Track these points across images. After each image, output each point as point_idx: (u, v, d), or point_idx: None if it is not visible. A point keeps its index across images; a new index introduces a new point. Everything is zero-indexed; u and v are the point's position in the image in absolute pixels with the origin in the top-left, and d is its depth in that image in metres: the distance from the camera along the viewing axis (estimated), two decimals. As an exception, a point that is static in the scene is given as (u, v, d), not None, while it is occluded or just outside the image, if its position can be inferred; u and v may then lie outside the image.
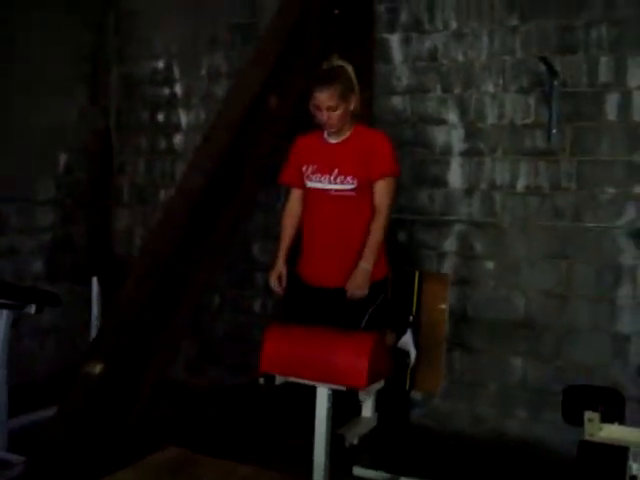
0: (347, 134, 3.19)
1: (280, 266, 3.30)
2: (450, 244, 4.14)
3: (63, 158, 5.06)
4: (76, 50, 5.12)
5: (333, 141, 3.21)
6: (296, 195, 3.36)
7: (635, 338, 3.71)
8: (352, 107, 3.13)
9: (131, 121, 5.29)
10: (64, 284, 4.87)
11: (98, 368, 2.87)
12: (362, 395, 2.67)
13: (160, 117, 5.15)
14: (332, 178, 3.12)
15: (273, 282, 3.31)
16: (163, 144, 5.16)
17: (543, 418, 3.90)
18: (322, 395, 2.73)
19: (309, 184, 3.21)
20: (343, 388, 2.72)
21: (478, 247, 4.08)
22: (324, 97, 3.03)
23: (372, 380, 2.73)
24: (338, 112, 3.06)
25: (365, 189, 3.12)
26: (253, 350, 4.69)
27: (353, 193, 3.10)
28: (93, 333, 4.14)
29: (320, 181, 3.16)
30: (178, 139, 5.09)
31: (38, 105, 4.79)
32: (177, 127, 5.09)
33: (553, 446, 3.79)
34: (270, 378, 2.83)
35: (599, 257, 3.78)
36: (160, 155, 5.18)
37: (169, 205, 3.50)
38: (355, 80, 3.15)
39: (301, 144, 3.32)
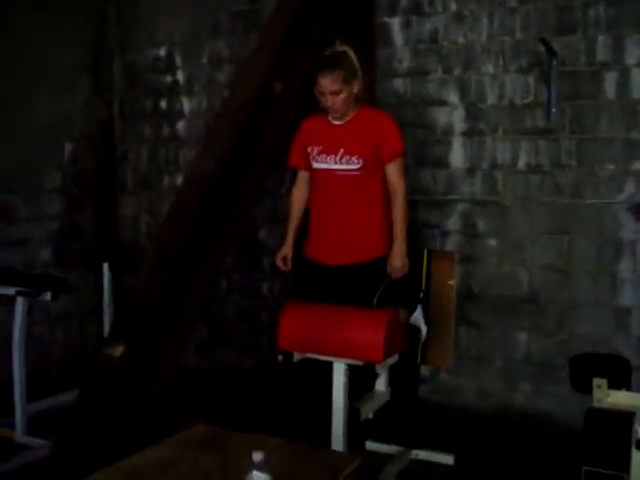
0: (351, 115, 3.24)
1: (287, 247, 3.40)
2: (453, 223, 4.23)
3: (68, 148, 5.13)
4: (79, 41, 5.17)
5: (338, 123, 3.26)
6: (303, 177, 3.43)
7: (636, 310, 3.81)
8: (355, 90, 3.18)
9: (134, 109, 5.35)
10: (73, 271, 4.93)
11: (119, 350, 2.93)
12: (379, 369, 2.77)
13: (163, 105, 5.22)
14: (338, 158, 3.18)
15: (279, 261, 3.40)
16: (166, 131, 5.22)
17: (547, 391, 4.02)
18: (339, 370, 2.83)
19: (315, 165, 3.27)
20: (360, 363, 2.81)
21: (481, 225, 4.17)
22: (328, 82, 3.10)
23: (388, 354, 2.82)
24: (342, 96, 3.12)
25: (371, 169, 3.19)
26: (261, 332, 4.86)
27: (358, 173, 3.17)
28: (106, 318, 4.22)
29: (326, 161, 3.22)
30: (181, 126, 5.16)
31: (43, 96, 4.85)
32: (180, 114, 5.15)
33: (558, 418, 3.91)
34: (288, 355, 2.92)
35: (600, 232, 3.87)
36: (164, 142, 5.24)
37: (180, 191, 3.56)
38: (358, 64, 3.20)
39: (306, 127, 3.38)
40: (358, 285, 3.16)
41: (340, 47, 3.20)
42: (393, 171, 3.21)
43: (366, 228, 3.22)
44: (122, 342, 2.96)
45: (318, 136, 3.29)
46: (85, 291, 5.07)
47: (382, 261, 3.19)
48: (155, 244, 3.51)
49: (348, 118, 3.25)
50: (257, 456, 1.79)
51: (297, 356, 2.94)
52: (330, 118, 3.28)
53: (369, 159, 3.16)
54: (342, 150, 3.17)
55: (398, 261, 3.16)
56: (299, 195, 3.45)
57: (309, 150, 3.29)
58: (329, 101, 3.14)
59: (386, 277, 3.19)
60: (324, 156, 3.23)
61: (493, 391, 4.16)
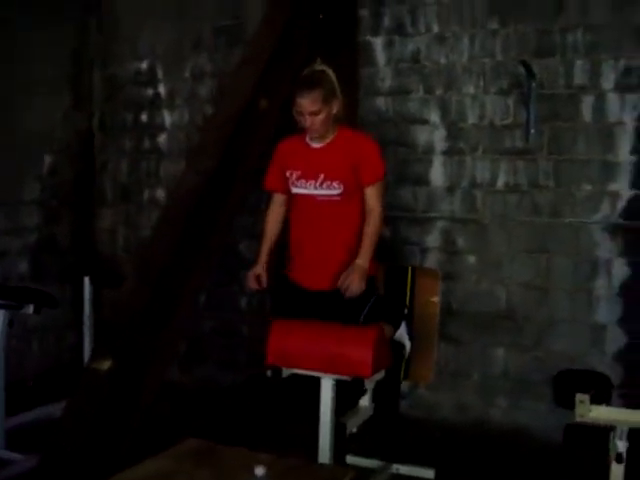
0: (331, 137, 3.17)
1: (260, 267, 3.29)
2: (433, 240, 4.30)
3: (48, 159, 5.11)
4: (59, 52, 5.16)
5: (317, 145, 3.18)
6: (279, 200, 3.36)
7: (611, 327, 3.91)
8: (335, 111, 3.10)
9: (115, 122, 5.34)
10: (49, 284, 4.89)
11: (106, 364, 2.93)
12: (367, 384, 2.80)
13: (144, 117, 5.22)
14: (318, 184, 3.12)
15: (250, 281, 3.28)
16: (147, 144, 5.22)
17: (524, 406, 4.09)
18: (327, 385, 2.86)
19: (294, 190, 3.20)
20: (348, 378, 2.85)
21: (460, 242, 4.24)
22: (306, 102, 3.02)
23: (376, 370, 2.87)
24: (321, 117, 3.05)
25: (352, 193, 3.13)
26: (240, 347, 4.86)
27: (339, 198, 3.11)
28: (87, 331, 4.19)
29: (305, 187, 3.15)
30: (162, 139, 5.16)
31: (22, 107, 4.83)
32: (161, 127, 5.16)
33: (535, 432, 3.99)
34: (277, 371, 2.94)
35: (576, 251, 3.97)
36: (144, 155, 5.24)
37: (166, 206, 3.58)
38: (337, 84, 3.13)
39: (283, 149, 3.30)
40: (340, 309, 3.10)
41: (320, 66, 3.14)
42: (372, 195, 3.13)
43: (346, 253, 3.14)
44: (109, 356, 2.96)
45: (296, 160, 3.21)
46: (62, 304, 5.02)
47: (369, 282, 3.13)
48: (140, 257, 3.51)
49: (327, 140, 3.17)
50: (259, 470, 1.82)
51: (286, 372, 2.96)
52: (308, 140, 3.20)
53: (350, 183, 3.11)
54: (322, 175, 3.11)
55: (355, 275, 3.01)
56: (274, 217, 3.37)
57: (288, 174, 3.21)
58: (308, 121, 3.06)
59: (371, 298, 3.16)
60: (303, 181, 3.16)
61: (471, 406, 4.23)
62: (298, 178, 3.17)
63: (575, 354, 3.93)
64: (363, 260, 3.06)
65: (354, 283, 3.01)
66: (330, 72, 3.13)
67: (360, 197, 3.16)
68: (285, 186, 3.26)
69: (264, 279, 3.27)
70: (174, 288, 3.19)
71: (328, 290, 3.14)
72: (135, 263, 3.74)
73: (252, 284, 3.28)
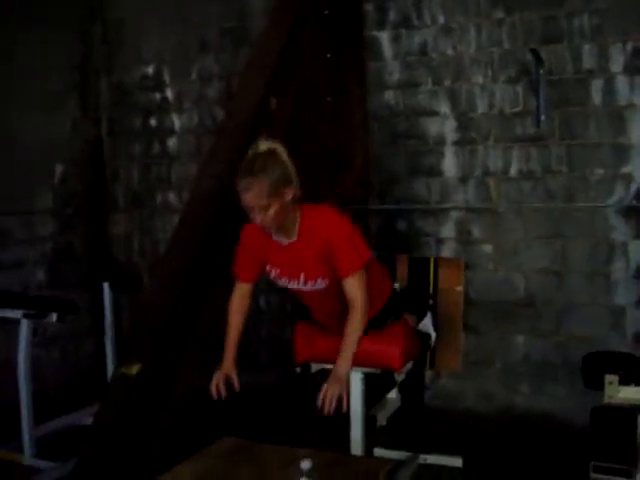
0: (295, 230, 2.71)
1: (229, 365, 2.85)
2: (448, 230, 4.32)
3: (59, 169, 5.14)
4: (64, 61, 5.18)
5: (285, 241, 2.74)
6: (245, 291, 2.93)
7: (630, 309, 3.93)
8: (289, 198, 2.60)
9: (123, 128, 5.37)
10: (67, 291, 4.92)
11: (135, 369, 2.96)
12: (397, 376, 2.83)
13: (153, 122, 5.24)
14: (301, 283, 2.77)
15: (215, 387, 2.78)
16: (157, 148, 5.25)
17: (547, 391, 4.12)
18: (356, 379, 2.88)
19: (279, 284, 2.85)
20: (377, 371, 2.87)
21: (476, 232, 4.26)
22: (250, 197, 2.53)
23: (405, 362, 2.89)
24: (271, 211, 2.55)
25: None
26: (259, 347, 4.88)
27: (329, 287, 2.77)
28: (108, 337, 4.22)
29: (289, 284, 2.81)
30: (172, 142, 5.19)
31: (31, 118, 4.84)
32: (170, 131, 5.19)
33: (558, 416, 4.02)
34: (306, 366, 2.96)
35: (592, 235, 3.99)
36: (154, 159, 5.27)
37: (184, 210, 3.60)
38: (290, 163, 2.62)
39: (250, 238, 2.83)
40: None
41: (265, 146, 2.59)
42: (351, 286, 2.68)
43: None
44: (138, 361, 2.99)
45: (270, 255, 2.80)
46: (80, 311, 5.05)
47: (388, 305, 2.98)
48: (162, 261, 3.53)
49: (294, 235, 2.72)
50: (305, 464, 1.84)
51: (315, 367, 2.98)
52: (274, 236, 2.75)
53: (334, 274, 2.72)
54: (302, 275, 2.74)
55: (331, 391, 2.58)
56: (239, 309, 2.93)
57: (267, 268, 2.83)
58: (257, 218, 2.57)
59: (392, 315, 3.01)
60: (286, 280, 2.79)
61: (494, 394, 4.25)
62: (280, 276, 2.81)
63: (595, 337, 3.94)
64: (343, 366, 2.66)
65: (329, 397, 2.58)
66: (280, 150, 2.61)
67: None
68: (256, 274, 2.90)
69: (236, 381, 2.81)
70: (200, 289, 3.22)
71: None
72: (157, 267, 3.76)
73: (217, 391, 2.78)
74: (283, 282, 2.81)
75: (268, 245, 2.77)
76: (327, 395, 2.57)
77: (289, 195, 2.59)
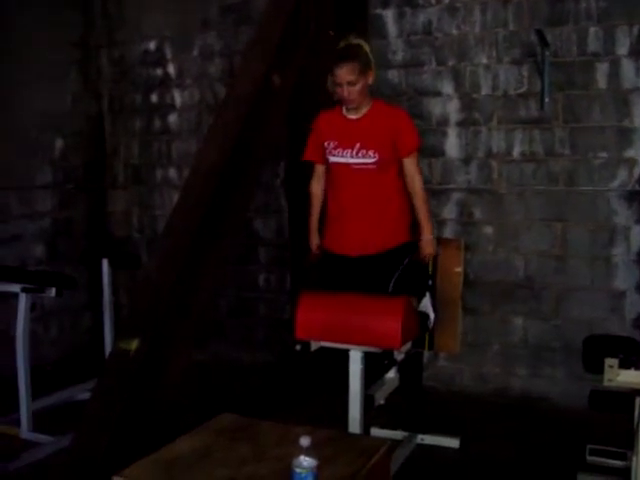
0: (366, 109, 3.29)
1: (316, 237, 3.50)
2: (449, 211, 4.31)
3: (59, 144, 5.11)
4: (65, 36, 5.13)
5: (353, 117, 3.30)
6: (319, 171, 3.47)
7: (630, 293, 3.93)
8: (370, 82, 3.24)
9: (124, 104, 5.33)
10: (65, 267, 4.91)
11: (134, 344, 2.95)
12: (397, 355, 2.83)
13: (154, 98, 5.21)
14: (354, 152, 3.24)
15: (314, 250, 3.50)
16: (158, 125, 5.22)
17: (544, 374, 4.12)
18: (355, 357, 2.88)
19: (332, 159, 3.32)
20: (377, 350, 2.87)
21: (477, 213, 4.25)
22: (344, 72, 3.14)
23: (405, 341, 2.89)
24: (357, 87, 3.16)
25: (386, 162, 3.25)
26: (258, 325, 4.89)
27: (374, 166, 3.23)
28: (107, 313, 4.21)
29: (342, 155, 3.27)
30: (173, 119, 5.15)
31: (31, 93, 4.79)
32: (171, 107, 5.15)
33: (554, 399, 4.05)
34: (305, 345, 2.96)
35: (593, 219, 3.98)
36: (155, 136, 5.24)
37: (185, 186, 3.57)
38: (371, 56, 3.27)
39: (322, 121, 3.40)
40: (374, 274, 3.24)
41: (355, 40, 3.25)
42: (410, 165, 3.28)
43: (382, 220, 3.29)
44: (136, 336, 2.98)
45: (334, 131, 3.32)
46: (77, 287, 5.04)
47: (396, 251, 3.27)
48: (162, 237, 3.51)
49: (364, 112, 3.30)
50: (305, 441, 1.84)
51: (314, 345, 2.98)
52: (344, 112, 3.33)
53: (385, 153, 3.23)
54: (358, 144, 3.23)
55: (429, 248, 3.30)
56: (317, 188, 3.50)
57: (326, 144, 3.33)
58: (345, 92, 3.18)
59: (400, 265, 3.28)
60: (340, 150, 3.27)
61: (491, 375, 4.26)
62: (335, 147, 3.28)
63: (594, 321, 3.94)
64: (428, 231, 3.30)
65: (427, 257, 3.34)
66: (365, 45, 3.26)
67: (396, 166, 3.30)
68: (323, 157, 3.38)
69: (317, 248, 3.50)
70: (200, 265, 3.20)
71: (360, 256, 3.27)
72: (157, 244, 3.74)
73: (315, 254, 3.51)
74: (337, 154, 3.28)
75: (334, 123, 3.32)
76: (426, 254, 3.30)
77: (371, 78, 3.24)
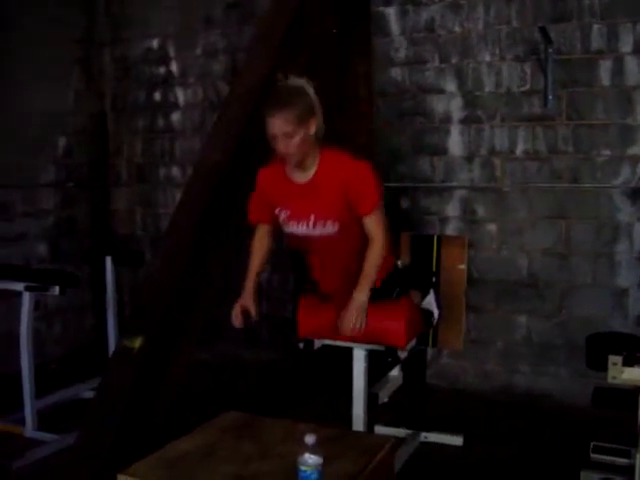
0: (314, 169, 2.76)
1: (247, 298, 2.95)
2: (453, 209, 4.31)
3: (62, 142, 5.12)
4: (68, 34, 5.13)
5: (300, 180, 2.78)
6: (265, 231, 3.03)
7: (633, 291, 3.93)
8: (312, 132, 2.68)
9: (127, 102, 5.34)
10: (68, 265, 4.92)
11: (138, 342, 2.96)
12: (401, 353, 2.83)
13: (157, 96, 5.21)
14: (310, 225, 2.78)
15: (236, 317, 2.94)
16: (161, 123, 5.23)
17: (548, 371, 4.12)
18: (359, 355, 2.89)
19: (286, 229, 2.88)
20: (382, 348, 2.87)
21: (480, 211, 4.25)
22: (278, 124, 2.61)
23: (409, 338, 2.89)
24: (296, 139, 2.62)
25: (349, 225, 2.79)
26: (260, 324, 4.87)
27: (337, 234, 2.78)
28: (110, 311, 4.22)
29: (297, 228, 2.82)
30: (176, 117, 5.16)
31: (34, 91, 4.80)
32: (174, 105, 5.15)
33: (557, 397, 4.05)
34: (309, 343, 2.96)
35: (597, 216, 3.98)
36: (158, 134, 5.25)
37: (189, 183, 3.57)
38: (316, 99, 2.70)
39: (265, 182, 2.91)
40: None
41: (294, 80, 2.71)
42: (370, 224, 2.77)
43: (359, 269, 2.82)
44: (140, 334, 2.99)
45: (282, 197, 2.84)
46: (80, 285, 5.05)
47: (390, 278, 2.99)
48: (167, 236, 3.51)
49: (311, 173, 2.76)
50: (310, 439, 1.84)
51: (317, 343, 2.98)
52: (288, 173, 2.80)
53: (345, 218, 2.76)
54: (313, 216, 2.76)
55: (352, 314, 2.73)
56: (260, 247, 3.03)
57: (277, 212, 2.87)
58: (281, 145, 2.64)
59: (395, 291, 3.00)
60: (294, 223, 2.82)
61: (495, 373, 4.26)
62: (288, 219, 2.83)
63: (597, 319, 3.94)
64: (361, 293, 2.76)
65: (348, 323, 2.75)
66: (308, 85, 2.70)
67: (360, 223, 2.81)
68: (270, 216, 2.93)
69: (254, 311, 2.93)
70: (204, 264, 3.21)
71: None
72: (160, 242, 3.74)
73: (237, 321, 2.94)
74: (292, 226, 2.82)
75: (282, 186, 2.81)
76: (345, 321, 2.73)
77: (313, 127, 2.67)
